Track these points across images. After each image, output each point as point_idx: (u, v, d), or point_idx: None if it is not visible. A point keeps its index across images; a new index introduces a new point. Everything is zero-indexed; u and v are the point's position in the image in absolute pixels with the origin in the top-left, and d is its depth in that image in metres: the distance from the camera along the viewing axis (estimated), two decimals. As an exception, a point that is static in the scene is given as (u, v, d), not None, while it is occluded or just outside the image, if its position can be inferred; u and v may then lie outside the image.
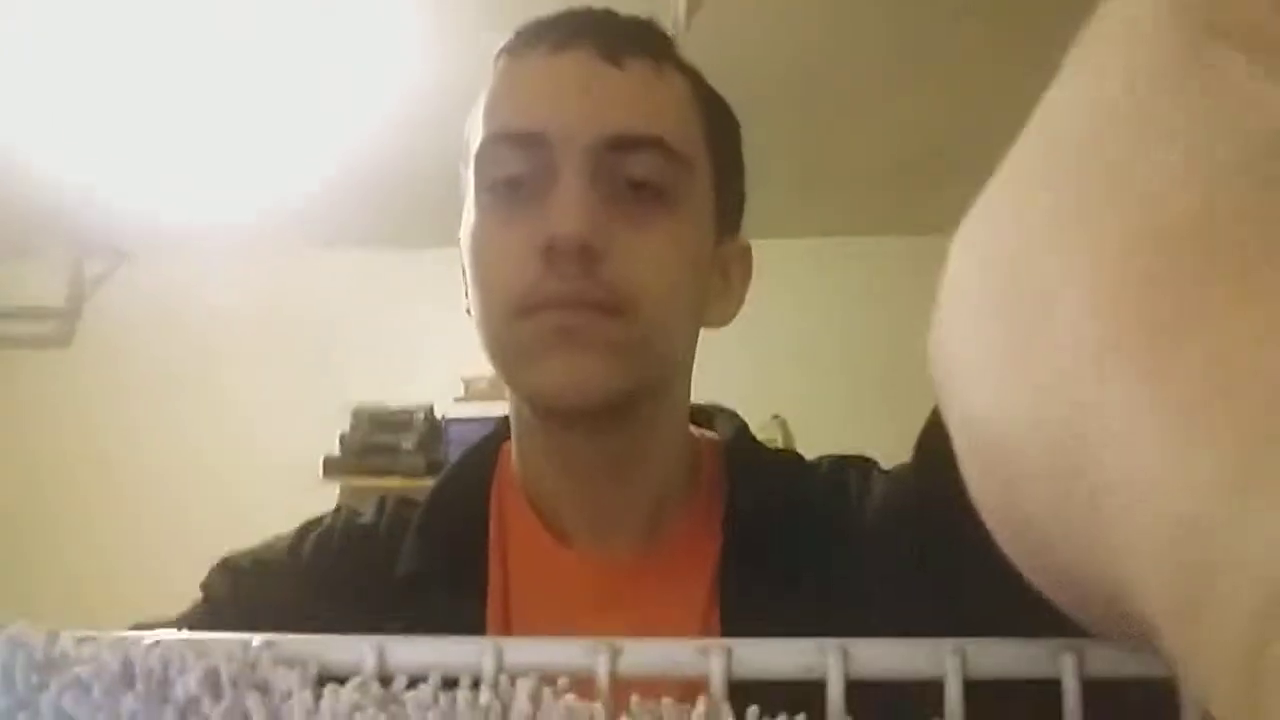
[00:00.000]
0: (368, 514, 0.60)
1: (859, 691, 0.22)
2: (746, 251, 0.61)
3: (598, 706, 0.21)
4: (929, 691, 0.22)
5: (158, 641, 0.23)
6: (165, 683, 0.22)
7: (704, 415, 0.64)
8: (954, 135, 2.53)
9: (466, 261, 0.55)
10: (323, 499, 3.06)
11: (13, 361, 3.35)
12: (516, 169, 0.51)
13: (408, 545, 0.56)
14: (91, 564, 3.09)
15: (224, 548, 0.61)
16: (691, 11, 1.91)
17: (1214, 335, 0.12)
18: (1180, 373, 0.13)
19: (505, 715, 0.21)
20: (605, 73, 0.51)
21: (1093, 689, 0.22)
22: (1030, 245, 0.16)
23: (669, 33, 0.58)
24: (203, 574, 0.58)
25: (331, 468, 3.02)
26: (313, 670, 0.23)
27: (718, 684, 0.22)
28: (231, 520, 2.90)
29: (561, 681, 0.22)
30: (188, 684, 0.22)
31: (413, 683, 0.23)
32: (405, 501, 0.61)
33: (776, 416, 2.77)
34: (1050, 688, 0.22)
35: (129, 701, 0.21)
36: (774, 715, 0.21)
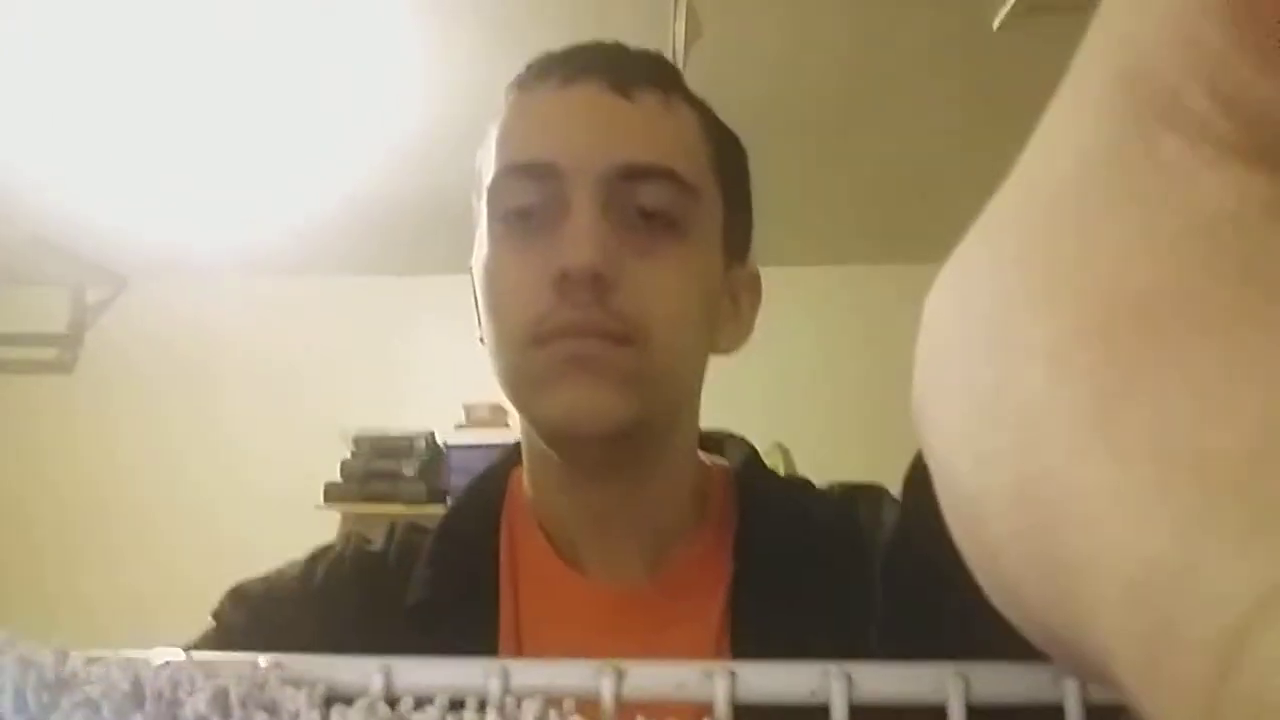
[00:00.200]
0: (378, 541, 0.60)
1: (863, 716, 0.22)
2: (755, 278, 0.62)
3: (603, 729, 0.21)
4: (933, 717, 0.22)
5: (167, 662, 0.23)
6: (174, 703, 0.22)
7: (713, 441, 0.64)
8: (948, 165, 2.55)
9: (479, 291, 0.56)
10: (323, 525, 3.05)
11: (15, 387, 3.36)
12: (528, 200, 0.52)
13: (418, 573, 0.56)
14: (100, 588, 3.07)
15: (227, 573, 0.61)
16: (690, 42, 1.93)
17: (1156, 408, 0.13)
18: (1130, 443, 0.14)
19: (511, 737, 0.21)
20: (616, 105, 0.52)
21: (1095, 714, 0.22)
22: (1004, 310, 0.17)
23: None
24: (206, 599, 0.58)
25: (332, 494, 3.01)
26: (320, 691, 0.23)
27: (722, 707, 0.22)
28: (234, 546, 2.90)
29: (567, 703, 0.22)
30: (197, 704, 0.22)
31: (419, 704, 0.23)
32: (415, 528, 0.61)
33: (778, 444, 2.77)
34: (1053, 713, 0.22)
35: (138, 722, 0.22)
36: (778, 738, 0.21)
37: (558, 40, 0.57)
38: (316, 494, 3.00)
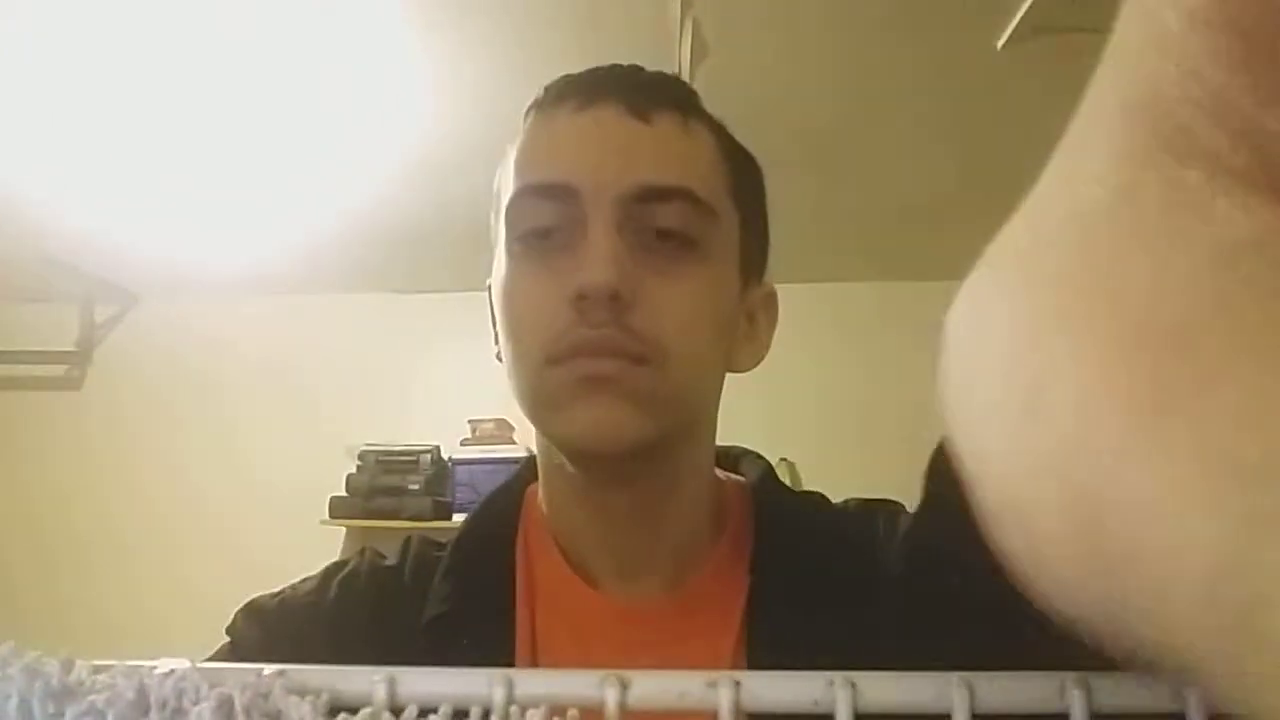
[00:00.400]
0: (393, 556, 0.60)
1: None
2: (772, 296, 0.62)
3: (607, 738, 0.21)
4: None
5: (172, 671, 0.23)
6: (180, 711, 0.22)
7: (729, 458, 0.64)
8: (959, 183, 2.56)
9: (497, 310, 0.56)
10: (329, 540, 3.05)
11: (25, 404, 3.37)
12: (547, 220, 0.52)
13: (435, 590, 0.56)
14: (109, 603, 3.07)
15: (236, 588, 0.61)
16: (695, 62, 1.94)
17: (1198, 419, 0.15)
18: (1172, 449, 0.15)
19: (515, 746, 0.21)
20: (633, 127, 0.53)
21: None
22: (1037, 325, 0.18)
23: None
24: (215, 613, 0.58)
25: (338, 509, 3.01)
26: (325, 700, 0.23)
27: (726, 717, 0.22)
28: (242, 561, 2.89)
29: (571, 713, 0.23)
30: (202, 713, 0.22)
31: (424, 714, 0.23)
32: (430, 543, 0.61)
33: (784, 460, 2.76)
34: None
35: (143, 730, 0.22)
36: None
37: (563, 59, 0.57)
38: (322, 508, 3.00)
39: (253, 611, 0.58)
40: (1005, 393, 0.18)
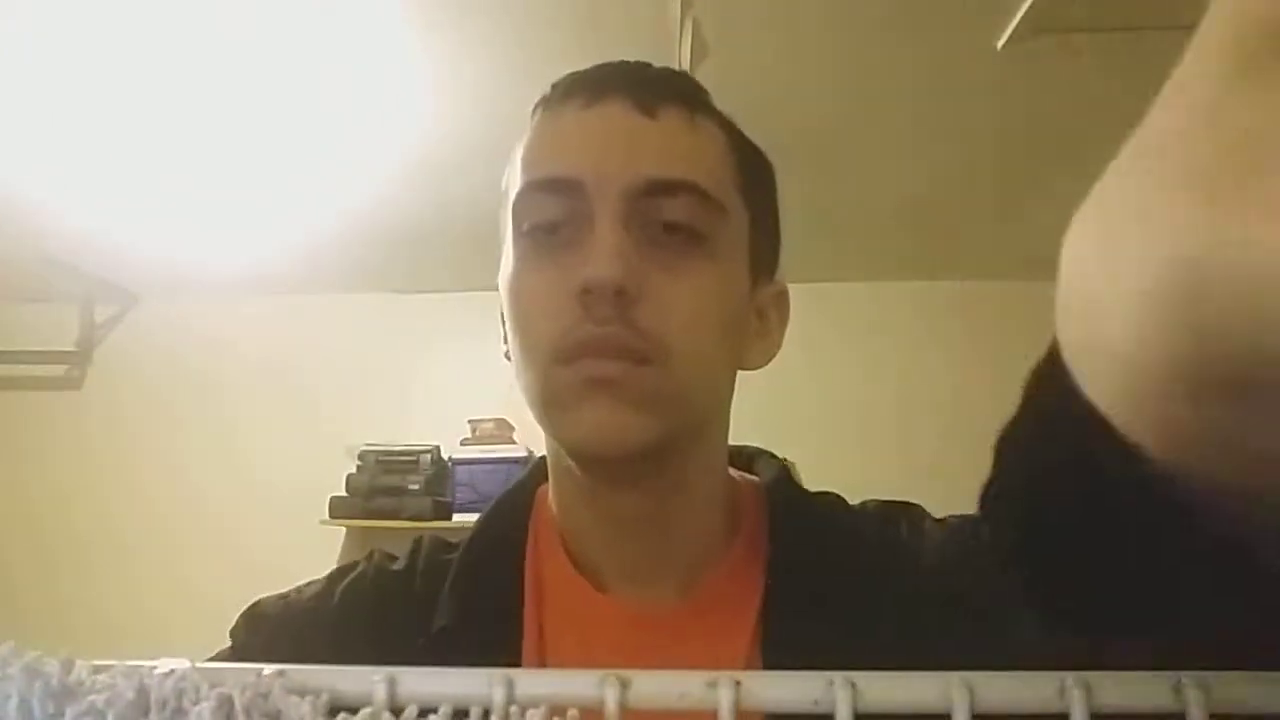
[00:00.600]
0: (401, 560, 0.60)
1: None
2: (783, 294, 0.61)
3: (607, 738, 0.21)
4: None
5: (172, 671, 0.23)
6: (180, 711, 0.22)
7: (743, 457, 0.63)
8: (959, 183, 2.56)
9: (505, 306, 0.55)
10: (329, 540, 3.05)
11: (25, 404, 3.37)
12: (553, 215, 0.52)
13: (443, 600, 0.55)
14: (109, 603, 3.07)
15: (236, 587, 0.61)
16: (696, 62, 1.94)
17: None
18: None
19: (515, 746, 0.21)
20: (640, 122, 0.52)
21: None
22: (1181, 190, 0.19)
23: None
24: (215, 613, 0.58)
25: (338, 509, 3.01)
26: (324, 700, 0.23)
27: (726, 717, 0.22)
28: (242, 561, 2.89)
29: (571, 713, 0.22)
30: (201, 713, 0.22)
31: (423, 714, 0.23)
32: (441, 544, 0.61)
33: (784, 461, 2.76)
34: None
35: (143, 730, 0.22)
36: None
37: (563, 59, 0.57)
38: (322, 508, 3.00)
39: (255, 616, 0.57)
40: (1155, 269, 0.18)
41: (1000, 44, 1.92)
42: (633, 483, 0.53)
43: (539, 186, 0.53)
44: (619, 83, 0.54)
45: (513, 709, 0.23)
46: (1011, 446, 0.31)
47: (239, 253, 3.06)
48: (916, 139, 2.36)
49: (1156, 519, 0.22)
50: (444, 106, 2.20)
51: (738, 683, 0.23)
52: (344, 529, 3.07)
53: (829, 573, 0.53)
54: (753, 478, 0.61)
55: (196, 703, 0.22)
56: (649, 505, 0.54)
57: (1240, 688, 0.21)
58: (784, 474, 0.61)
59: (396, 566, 0.59)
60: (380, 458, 3.06)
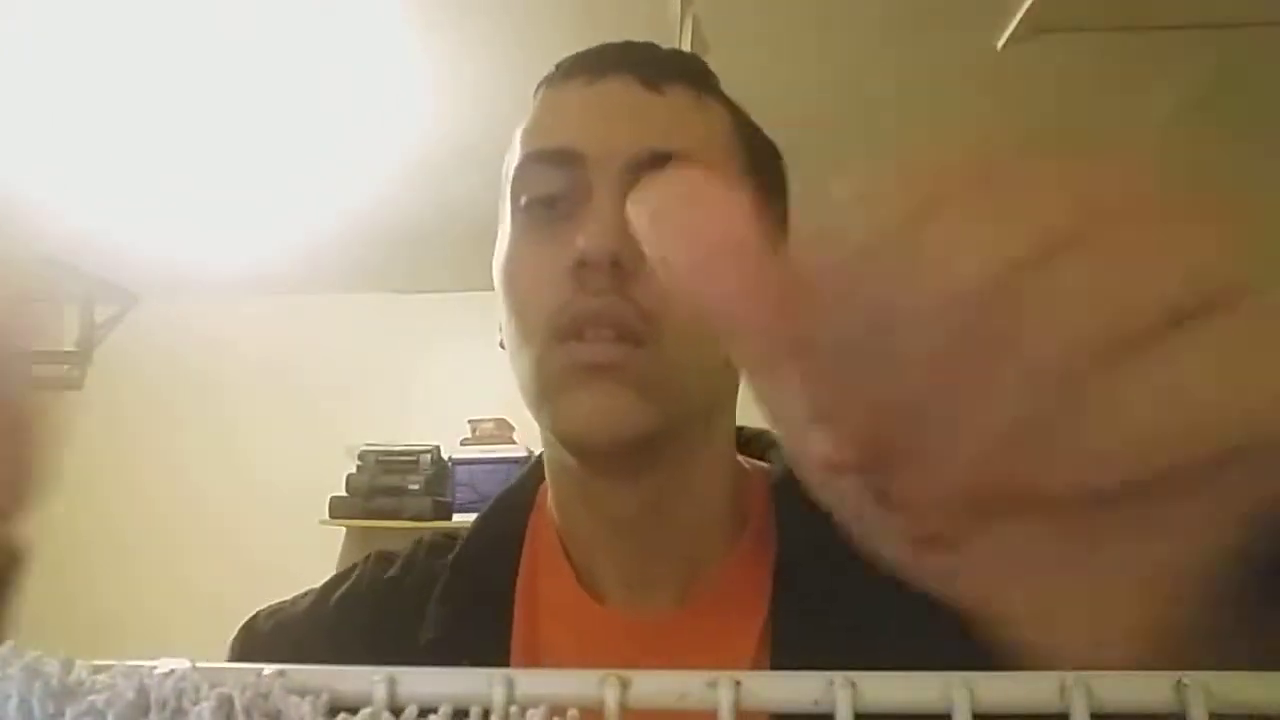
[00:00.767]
0: (397, 564, 0.59)
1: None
2: None
3: (607, 738, 0.21)
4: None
5: (172, 670, 0.23)
6: (179, 711, 0.22)
7: (761, 443, 0.59)
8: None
9: (500, 286, 0.53)
10: (329, 540, 3.05)
11: (23, 403, 3.37)
12: (552, 188, 0.50)
13: (431, 611, 0.54)
14: (109, 603, 3.07)
15: (236, 587, 0.61)
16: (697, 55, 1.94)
17: None
18: None
19: (515, 746, 0.21)
20: (645, 97, 0.51)
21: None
22: None
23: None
24: (216, 613, 0.58)
25: (338, 509, 3.01)
26: (324, 700, 0.23)
27: (726, 716, 0.22)
28: (241, 561, 2.89)
29: (572, 713, 0.22)
30: (201, 713, 0.22)
31: (424, 714, 0.23)
32: (439, 546, 0.59)
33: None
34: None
35: (143, 730, 0.22)
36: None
37: (564, 56, 0.57)
38: (322, 508, 3.00)
39: (250, 630, 0.57)
40: None
41: (1000, 44, 1.92)
42: (631, 476, 0.51)
43: (538, 158, 0.51)
44: (625, 60, 0.52)
45: (513, 709, 0.23)
46: None
47: (239, 253, 3.06)
48: (916, 139, 2.35)
49: None
50: (444, 106, 2.20)
51: (738, 683, 0.23)
52: (344, 529, 3.07)
53: (839, 571, 0.48)
54: (764, 465, 0.58)
55: (196, 703, 0.22)
56: (647, 501, 0.52)
57: (1241, 688, 0.21)
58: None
59: (390, 573, 0.58)
60: (380, 458, 3.06)
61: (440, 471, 3.05)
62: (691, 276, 0.22)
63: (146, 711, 0.22)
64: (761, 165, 0.56)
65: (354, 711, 0.23)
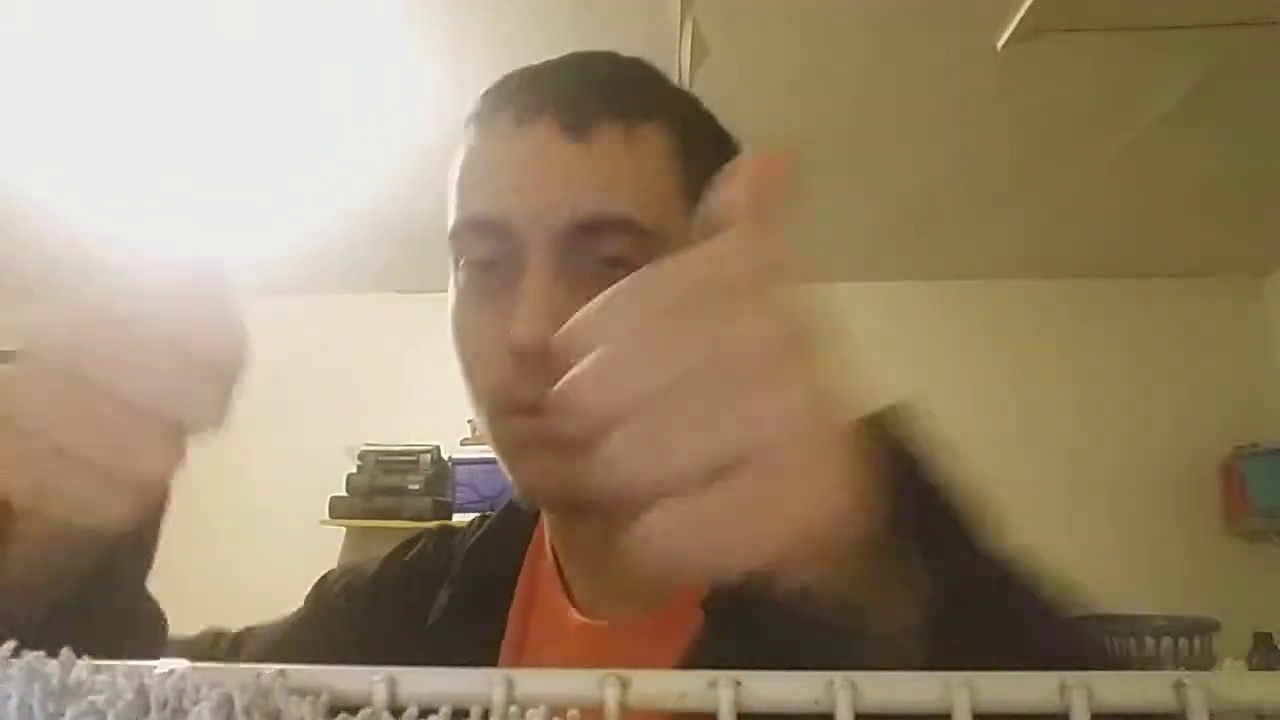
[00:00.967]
0: (453, 539, 0.64)
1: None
2: None
3: (607, 738, 0.21)
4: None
5: (172, 670, 0.23)
6: (179, 711, 0.22)
7: None
8: (949, 184, 2.56)
9: (451, 339, 0.54)
10: (329, 540, 3.05)
11: (23, 403, 3.37)
12: (486, 254, 0.51)
13: (439, 598, 0.58)
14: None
15: (235, 588, 0.62)
16: (696, 63, 1.94)
17: None
18: None
19: (515, 746, 0.21)
20: (569, 151, 0.50)
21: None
22: None
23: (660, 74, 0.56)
24: (212, 612, 0.60)
25: (338, 509, 3.01)
26: (325, 700, 0.23)
27: (725, 716, 0.22)
28: (241, 561, 2.89)
29: (572, 713, 0.23)
30: (201, 713, 0.22)
31: (424, 714, 0.23)
32: (445, 543, 0.64)
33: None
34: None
35: (143, 730, 0.22)
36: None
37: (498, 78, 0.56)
38: (323, 509, 3.00)
39: (321, 590, 0.63)
40: None
41: (1000, 44, 1.92)
42: (584, 517, 0.54)
43: (470, 226, 0.51)
44: (550, 97, 0.51)
45: (512, 709, 0.23)
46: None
47: (240, 252, 3.06)
48: (916, 139, 2.36)
49: None
50: (444, 107, 2.20)
51: (738, 683, 0.23)
52: (344, 529, 3.07)
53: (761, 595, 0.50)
54: None
55: (196, 703, 0.22)
56: (604, 540, 0.51)
57: (1241, 688, 0.21)
58: None
59: (374, 570, 0.63)
60: (380, 458, 3.06)
61: (440, 471, 3.05)
62: None
63: (146, 711, 0.22)
64: (710, 173, 0.56)
65: (354, 711, 0.23)
